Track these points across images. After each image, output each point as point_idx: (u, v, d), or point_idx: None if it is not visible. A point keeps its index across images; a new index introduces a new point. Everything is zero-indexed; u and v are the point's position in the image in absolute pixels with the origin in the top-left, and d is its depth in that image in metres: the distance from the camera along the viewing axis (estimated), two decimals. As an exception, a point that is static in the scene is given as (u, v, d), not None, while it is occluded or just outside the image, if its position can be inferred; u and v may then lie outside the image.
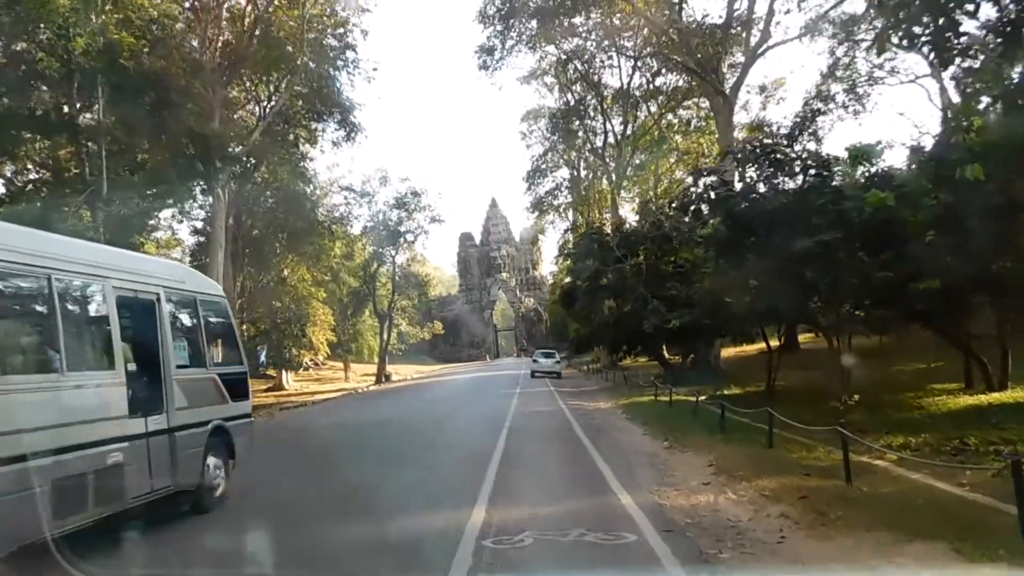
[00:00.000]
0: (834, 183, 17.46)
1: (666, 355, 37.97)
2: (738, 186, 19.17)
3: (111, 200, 20.72)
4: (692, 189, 19.85)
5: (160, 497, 8.63)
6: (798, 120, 19.36)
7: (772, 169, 17.37)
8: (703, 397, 22.86)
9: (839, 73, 44.71)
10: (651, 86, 49.97)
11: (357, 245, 64.83)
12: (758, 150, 17.42)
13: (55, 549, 6.25)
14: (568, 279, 34.03)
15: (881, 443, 12.14)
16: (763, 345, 40.36)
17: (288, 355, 50.07)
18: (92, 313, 8.34)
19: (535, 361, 49.19)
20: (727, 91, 38.41)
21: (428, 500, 10.08)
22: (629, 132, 50.17)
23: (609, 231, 34.14)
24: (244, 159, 45.09)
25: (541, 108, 60.25)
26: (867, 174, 17.05)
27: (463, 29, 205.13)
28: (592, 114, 53.04)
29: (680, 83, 48.91)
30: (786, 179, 17.92)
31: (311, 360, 74.22)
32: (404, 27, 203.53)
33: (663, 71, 48.80)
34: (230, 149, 33.94)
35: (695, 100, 48.25)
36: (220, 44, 35.62)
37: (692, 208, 18.27)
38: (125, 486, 7.85)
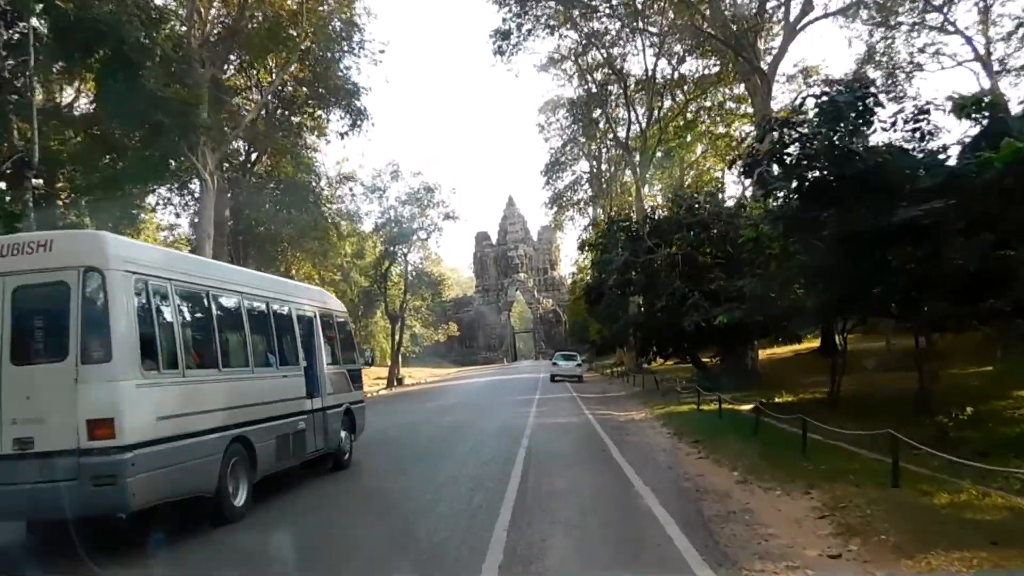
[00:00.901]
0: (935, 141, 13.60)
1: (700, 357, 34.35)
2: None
3: (41, 170, 17.22)
4: (755, 147, 15.84)
5: (318, 456, 12.15)
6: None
7: (860, 120, 13.47)
8: (748, 406, 19.29)
9: (878, 58, 41.12)
10: (677, 73, 46.25)
11: (368, 243, 61.51)
12: (844, 92, 13.45)
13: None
14: (592, 273, 30.05)
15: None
16: (795, 347, 37.12)
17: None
18: (287, 327, 11.58)
19: (555, 364, 45.43)
20: (764, 68, 34.67)
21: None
22: (655, 118, 46.31)
23: (638, 219, 30.27)
24: (242, 147, 42.44)
25: (560, 99, 56.73)
26: (979, 126, 13.20)
27: (477, 20, 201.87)
28: (615, 102, 49.23)
29: (710, 68, 45.28)
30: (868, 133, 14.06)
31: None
32: (416, 18, 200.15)
33: (691, 55, 45.13)
34: (218, 126, 30.64)
35: (727, 85, 44.54)
36: (210, 17, 32.31)
37: (758, 171, 14.29)
38: (306, 445, 11.40)
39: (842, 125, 13.47)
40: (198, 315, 9.39)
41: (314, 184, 43.66)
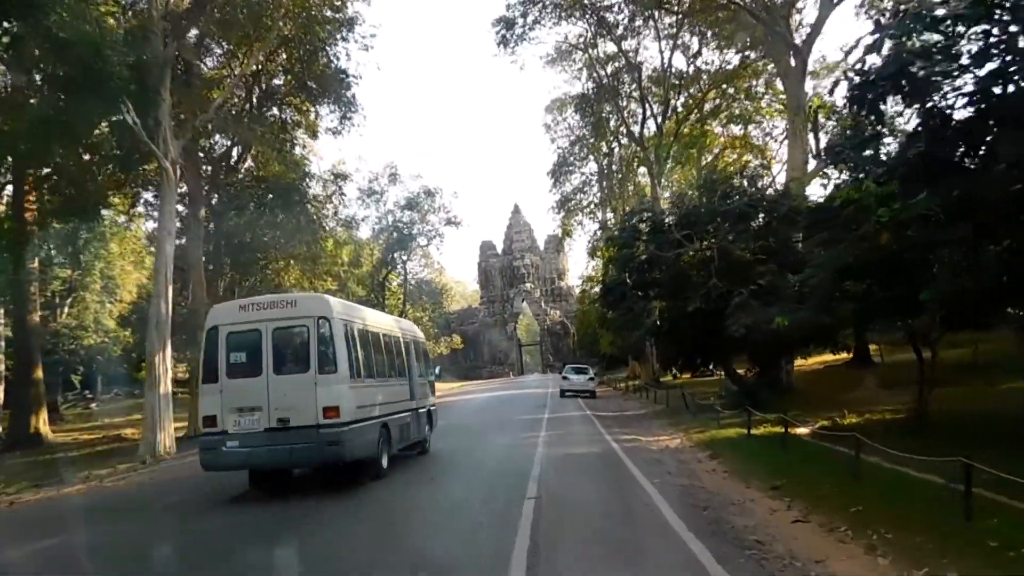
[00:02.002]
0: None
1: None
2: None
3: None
4: (870, 67, 11.17)
5: (414, 442, 16.48)
6: None
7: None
8: (802, 429, 15.25)
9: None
10: (693, 67, 42.06)
11: (364, 251, 57.53)
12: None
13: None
14: (609, 272, 25.64)
15: None
16: (823, 358, 32.68)
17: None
18: (399, 350, 16.34)
19: (565, 378, 40.97)
20: (799, 44, 30.46)
21: None
22: (672, 111, 42.06)
23: (662, 209, 25.86)
24: (226, 145, 38.27)
25: (567, 96, 52.46)
26: None
27: (479, 15, 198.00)
28: (627, 95, 45.01)
29: (727, 61, 41.12)
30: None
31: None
32: (415, 17, 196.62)
33: (708, 47, 40.98)
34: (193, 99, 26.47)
35: (751, 78, 40.34)
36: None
37: (869, 98, 9.78)
38: (411, 433, 15.98)
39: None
40: (367, 344, 13.67)
41: (301, 184, 39.13)
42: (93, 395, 62.83)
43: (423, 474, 14.42)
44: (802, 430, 16.81)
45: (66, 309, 57.88)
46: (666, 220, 23.35)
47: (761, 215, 22.60)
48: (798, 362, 32.69)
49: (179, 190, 34.60)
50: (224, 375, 11.98)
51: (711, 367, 28.74)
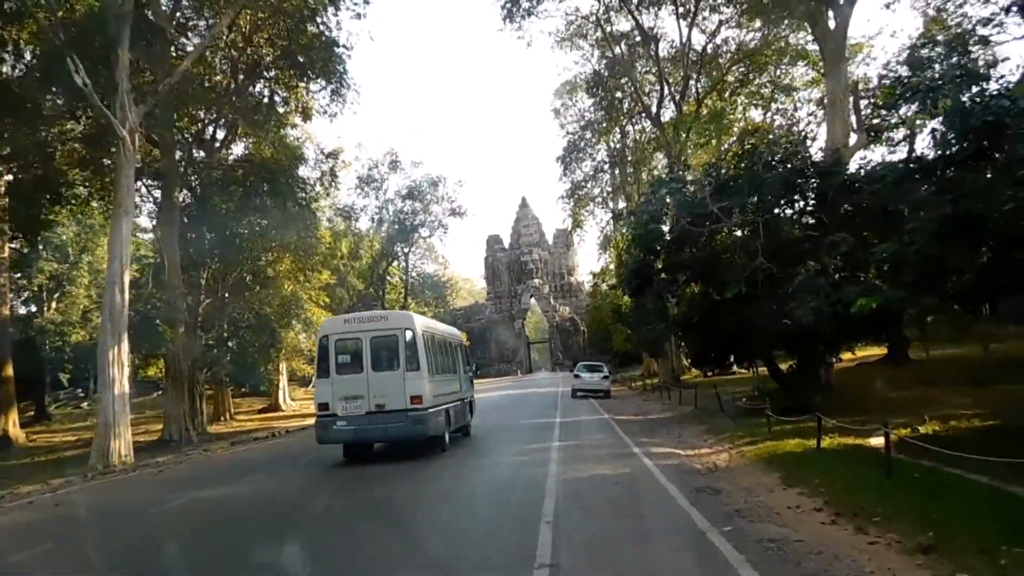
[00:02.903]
0: None
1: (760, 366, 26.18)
2: None
3: None
4: None
5: (461, 426, 19.34)
6: None
7: None
8: (874, 440, 12.41)
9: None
10: (711, 45, 38.25)
11: (364, 242, 53.91)
12: None
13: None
14: (632, 253, 21.69)
15: None
16: (852, 355, 29.00)
17: (258, 370, 38.73)
18: (451, 350, 19.59)
19: (577, 376, 37.21)
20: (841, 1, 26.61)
21: None
22: (692, 88, 38.24)
23: (694, 177, 21.90)
24: (210, 127, 34.55)
25: (578, 78, 48.57)
26: None
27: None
28: (643, 70, 41.18)
29: (748, 35, 37.27)
30: None
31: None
32: (420, 6, 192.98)
33: (727, 24, 37.16)
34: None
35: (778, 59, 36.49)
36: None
37: None
38: (460, 419, 18.93)
39: None
40: (435, 348, 17.32)
41: (291, 167, 35.24)
42: (85, 394, 59.57)
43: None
44: (876, 441, 13.15)
45: (53, 304, 54.85)
46: (700, 190, 19.47)
47: (813, 184, 18.68)
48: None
49: (146, 169, 31.49)
50: (334, 372, 15.43)
51: (744, 364, 24.82)
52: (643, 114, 41.63)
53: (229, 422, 39.84)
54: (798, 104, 38.90)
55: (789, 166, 18.71)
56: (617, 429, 19.59)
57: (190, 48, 30.11)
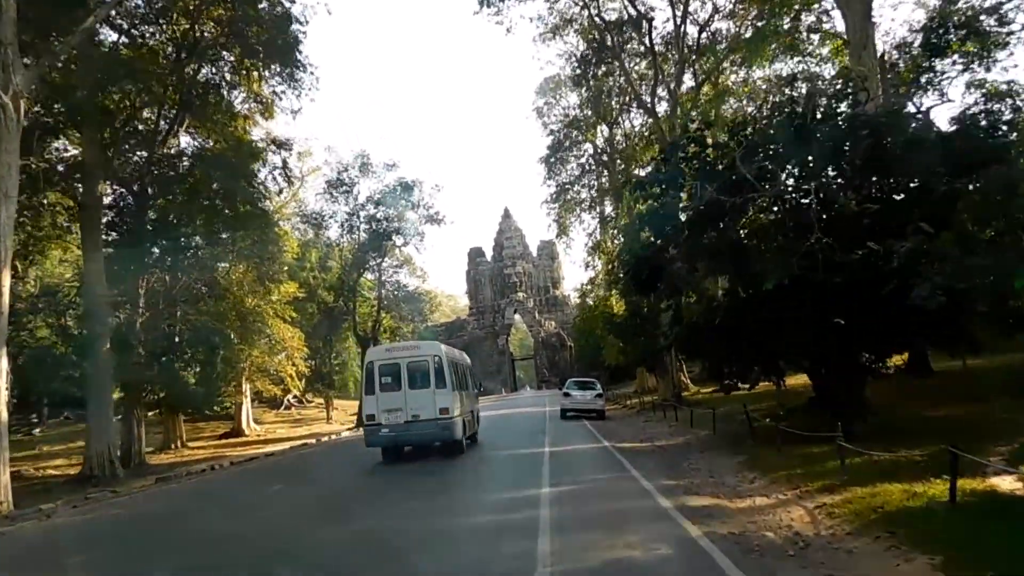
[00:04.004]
0: None
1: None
2: None
3: None
4: None
5: (470, 434, 21.12)
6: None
7: None
8: (1008, 482, 8.66)
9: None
10: (705, 33, 33.91)
11: (334, 251, 48.97)
12: None
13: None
14: (639, 235, 16.68)
15: None
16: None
17: (201, 391, 33.75)
18: (463, 370, 22.56)
19: (567, 395, 32.33)
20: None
21: None
22: (690, 70, 33.79)
23: (724, 135, 16.95)
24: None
25: (562, 74, 44.13)
26: None
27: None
28: (635, 52, 36.71)
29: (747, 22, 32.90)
30: None
31: (295, 397, 57.78)
32: (397, 12, 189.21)
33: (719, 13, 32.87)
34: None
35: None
36: None
37: None
38: (470, 427, 21.35)
39: None
40: (456, 370, 20.44)
41: (243, 160, 30.31)
42: (39, 419, 54.09)
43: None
44: (1007, 482, 8.73)
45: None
46: (722, 153, 14.81)
47: (868, 143, 14.01)
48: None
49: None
50: (378, 390, 18.59)
51: (772, 376, 20.08)
52: (635, 104, 37.14)
53: (180, 450, 34.86)
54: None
55: (842, 120, 14.08)
56: (626, 464, 14.78)
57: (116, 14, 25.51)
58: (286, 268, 44.19)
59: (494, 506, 10.92)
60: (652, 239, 15.65)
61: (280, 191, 35.16)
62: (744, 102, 34.26)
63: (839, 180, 14.35)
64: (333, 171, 46.77)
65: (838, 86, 15.84)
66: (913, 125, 14.65)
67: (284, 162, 31.91)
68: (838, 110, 14.69)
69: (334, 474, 19.44)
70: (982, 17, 24.35)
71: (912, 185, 13.62)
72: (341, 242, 48.07)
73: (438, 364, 18.58)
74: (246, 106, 32.58)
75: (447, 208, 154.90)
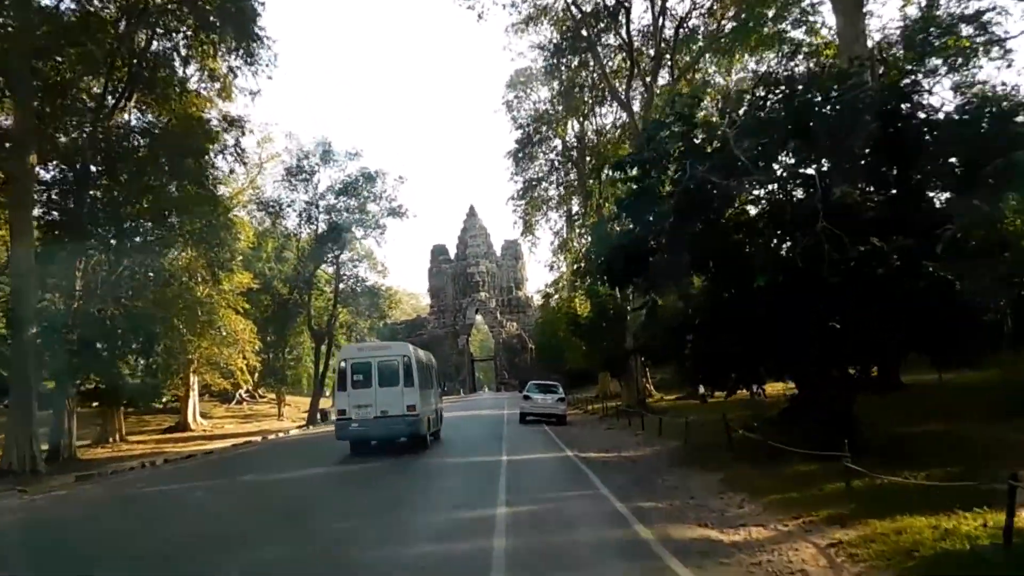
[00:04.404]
0: None
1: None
2: None
3: None
4: None
5: (433, 431, 22.24)
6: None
7: None
8: None
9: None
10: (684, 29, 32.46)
11: (291, 241, 46.62)
12: None
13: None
14: (620, 222, 14.89)
15: None
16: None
17: (138, 382, 31.45)
18: (428, 370, 23.48)
19: (527, 398, 30.56)
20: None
21: None
22: (667, 63, 32.25)
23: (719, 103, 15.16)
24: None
25: (533, 66, 42.34)
26: None
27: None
28: (609, 45, 35.11)
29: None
30: None
31: (247, 392, 55.27)
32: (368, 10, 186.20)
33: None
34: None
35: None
36: None
37: None
38: (433, 424, 22.59)
39: None
40: (422, 369, 21.39)
41: (194, 137, 28.01)
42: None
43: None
44: None
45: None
46: (711, 132, 13.14)
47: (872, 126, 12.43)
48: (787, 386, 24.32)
49: None
50: (350, 387, 19.56)
51: (753, 383, 18.50)
52: (609, 98, 35.51)
53: (118, 444, 32.49)
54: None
55: (847, 98, 12.47)
56: (594, 479, 13.04)
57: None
58: (240, 257, 42.01)
59: (439, 531, 9.04)
60: (632, 227, 13.92)
61: (231, 171, 32.84)
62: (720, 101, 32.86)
63: (844, 165, 12.73)
64: (293, 158, 44.72)
65: (841, 67, 14.28)
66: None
67: (237, 141, 29.58)
68: (841, 89, 13.06)
69: (268, 481, 17.35)
70: (961, 25, 23.30)
71: (928, 168, 12.04)
72: (299, 232, 45.85)
73: (407, 364, 19.83)
74: (202, 85, 30.66)
75: (411, 202, 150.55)
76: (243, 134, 30.25)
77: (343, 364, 20.10)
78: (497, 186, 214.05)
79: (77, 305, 26.24)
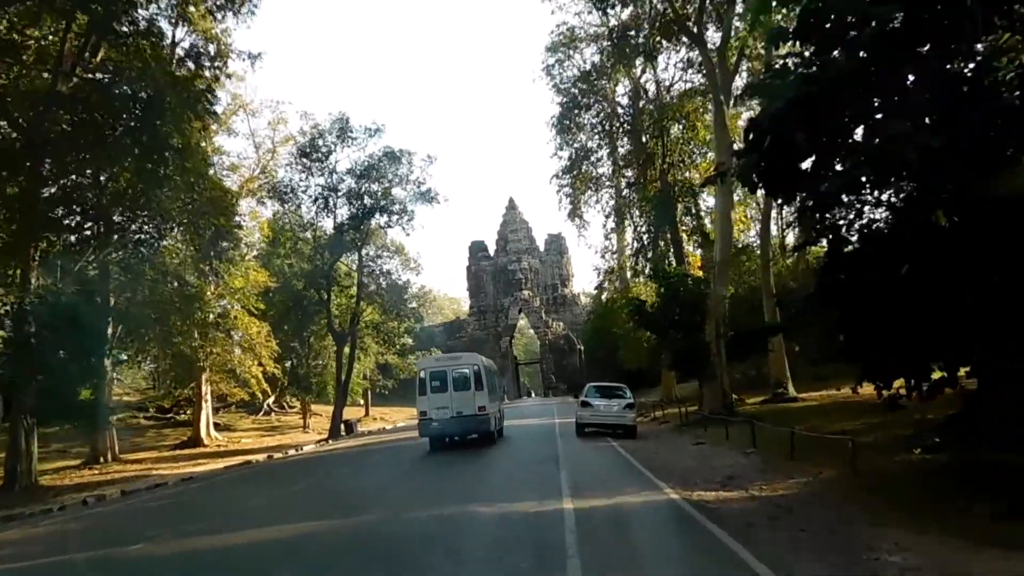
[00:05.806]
0: None
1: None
2: None
3: None
4: None
5: (498, 427, 25.14)
6: None
7: None
8: None
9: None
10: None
11: (306, 233, 40.99)
12: None
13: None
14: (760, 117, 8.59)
15: None
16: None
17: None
18: (494, 375, 27.62)
19: (586, 404, 24.33)
20: None
21: None
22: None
23: None
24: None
25: (580, 24, 36.17)
26: None
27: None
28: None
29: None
30: None
31: (274, 402, 49.95)
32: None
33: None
34: None
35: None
36: None
37: None
38: (500, 422, 26.20)
39: None
40: (491, 375, 25.26)
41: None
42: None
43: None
44: None
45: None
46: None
47: None
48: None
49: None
50: (429, 392, 22.51)
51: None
52: (675, 34, 29.03)
53: (109, 465, 27.80)
54: None
55: None
56: (745, 555, 6.79)
57: None
58: (246, 249, 36.89)
59: None
60: (800, 90, 7.50)
61: (208, 124, 27.25)
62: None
63: None
64: (307, 139, 39.11)
65: None
66: None
67: (216, 78, 24.37)
68: None
69: (243, 523, 11.20)
70: None
71: None
72: (316, 221, 40.25)
73: (476, 371, 22.86)
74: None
75: (445, 191, 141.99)
76: (224, 67, 25.12)
77: (423, 374, 23.30)
78: (537, 176, 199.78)
79: (26, 300, 20.95)
